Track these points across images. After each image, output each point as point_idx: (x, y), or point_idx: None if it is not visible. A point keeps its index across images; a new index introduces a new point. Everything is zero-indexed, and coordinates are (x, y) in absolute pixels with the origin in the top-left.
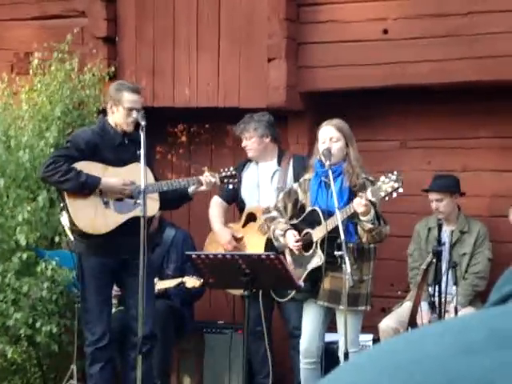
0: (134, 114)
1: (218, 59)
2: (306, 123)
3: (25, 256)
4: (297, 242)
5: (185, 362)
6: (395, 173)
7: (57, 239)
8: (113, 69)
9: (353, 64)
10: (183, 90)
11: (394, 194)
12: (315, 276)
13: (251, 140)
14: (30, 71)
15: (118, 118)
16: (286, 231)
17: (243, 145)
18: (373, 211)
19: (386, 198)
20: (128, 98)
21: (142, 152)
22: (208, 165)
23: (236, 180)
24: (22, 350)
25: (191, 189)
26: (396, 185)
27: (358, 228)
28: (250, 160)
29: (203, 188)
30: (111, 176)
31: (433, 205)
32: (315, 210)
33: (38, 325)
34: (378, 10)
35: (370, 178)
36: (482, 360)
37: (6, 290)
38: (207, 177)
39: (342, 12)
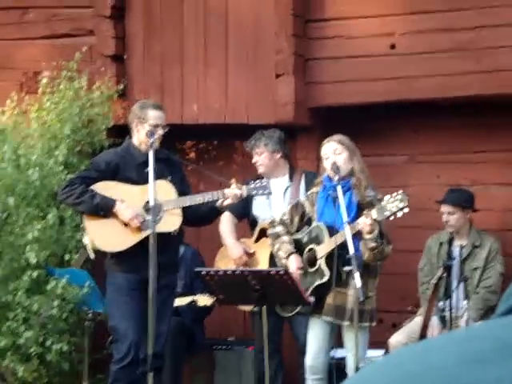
0: (160, 130)
1: (225, 76)
2: (315, 139)
3: (35, 274)
4: (298, 269)
5: (196, 380)
6: (400, 192)
7: (67, 257)
8: (121, 86)
9: (361, 79)
10: (191, 106)
11: (400, 214)
12: (320, 291)
13: (262, 156)
14: (39, 90)
15: (143, 135)
16: (289, 255)
17: (254, 161)
18: (377, 230)
19: (392, 218)
20: (153, 114)
21: (150, 169)
22: (217, 181)
23: (267, 191)
24: (32, 369)
25: (218, 202)
26: (401, 204)
27: (361, 245)
28: (261, 177)
29: (229, 201)
30: (136, 193)
31: (444, 217)
32: (320, 226)
33: (48, 343)
34: (385, 25)
35: (379, 196)
36: (490, 369)
37: (16, 309)
38: (233, 189)
39: (349, 27)
